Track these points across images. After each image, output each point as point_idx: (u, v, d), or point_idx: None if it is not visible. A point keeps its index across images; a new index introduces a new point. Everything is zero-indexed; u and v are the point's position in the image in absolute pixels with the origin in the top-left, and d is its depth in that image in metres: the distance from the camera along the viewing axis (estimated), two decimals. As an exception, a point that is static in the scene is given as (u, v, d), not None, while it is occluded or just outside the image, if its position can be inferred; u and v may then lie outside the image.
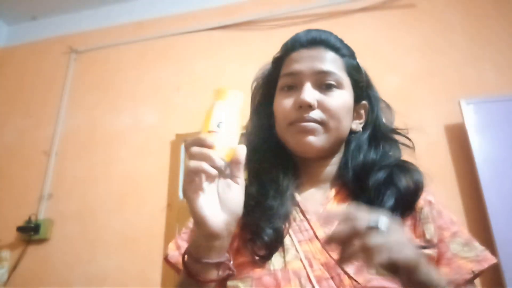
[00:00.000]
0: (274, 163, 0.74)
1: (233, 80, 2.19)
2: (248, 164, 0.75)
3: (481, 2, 2.07)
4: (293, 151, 0.73)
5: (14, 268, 2.01)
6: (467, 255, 0.64)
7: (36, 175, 2.23)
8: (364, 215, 0.49)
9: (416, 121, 1.83)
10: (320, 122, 0.69)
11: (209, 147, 0.53)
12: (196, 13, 2.46)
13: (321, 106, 0.69)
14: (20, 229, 2.05)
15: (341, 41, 0.77)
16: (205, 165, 0.51)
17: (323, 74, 0.71)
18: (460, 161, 1.74)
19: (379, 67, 2.17)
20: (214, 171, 0.52)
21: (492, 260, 0.65)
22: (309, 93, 0.69)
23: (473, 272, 0.63)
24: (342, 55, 0.75)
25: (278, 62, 0.78)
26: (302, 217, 0.68)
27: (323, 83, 0.71)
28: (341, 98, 0.71)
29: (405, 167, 0.71)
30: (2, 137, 2.43)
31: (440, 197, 0.73)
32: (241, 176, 0.56)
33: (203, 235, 0.54)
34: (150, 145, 2.16)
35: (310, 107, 0.68)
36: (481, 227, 1.57)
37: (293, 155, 0.75)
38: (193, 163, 0.52)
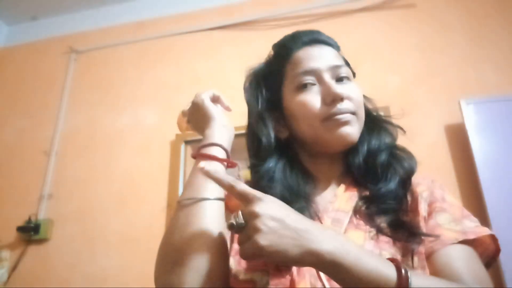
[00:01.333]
0: (287, 170, 0.72)
1: (233, 80, 2.19)
2: (257, 173, 0.73)
3: (481, 2, 2.07)
4: (327, 146, 0.72)
5: (14, 268, 2.01)
6: (453, 227, 0.62)
7: (36, 175, 2.23)
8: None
9: (416, 121, 1.85)
10: (353, 112, 0.71)
11: None
12: (196, 13, 2.46)
13: (347, 97, 0.71)
14: (20, 229, 2.05)
15: (333, 39, 0.80)
16: None
17: (337, 68, 0.72)
18: (460, 161, 1.74)
19: (379, 67, 2.19)
20: None
21: (483, 232, 0.62)
22: (337, 86, 0.70)
23: (456, 240, 0.60)
24: (338, 50, 0.78)
25: (280, 62, 0.77)
26: (313, 215, 0.67)
27: (339, 77, 0.72)
28: (357, 88, 0.74)
29: (401, 148, 0.75)
30: (2, 137, 2.43)
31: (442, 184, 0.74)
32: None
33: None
34: (150, 145, 2.16)
35: (342, 99, 0.69)
36: (481, 227, 1.57)
37: (305, 159, 0.75)
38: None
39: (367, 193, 0.69)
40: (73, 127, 2.34)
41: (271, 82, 0.78)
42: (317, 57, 0.73)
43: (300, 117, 0.72)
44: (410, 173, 0.70)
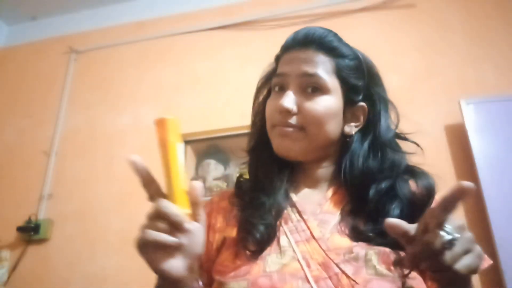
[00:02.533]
0: (270, 162, 0.74)
1: (233, 80, 2.20)
2: (248, 161, 0.78)
3: (481, 2, 2.07)
4: (275, 152, 0.73)
5: (14, 268, 2.01)
6: None
7: (36, 175, 2.23)
8: (434, 231, 0.47)
9: (416, 121, 1.84)
10: (300, 128, 0.69)
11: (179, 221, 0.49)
12: (196, 13, 2.46)
13: (302, 111, 0.69)
14: (20, 229, 2.05)
15: (339, 40, 0.74)
16: (167, 238, 0.49)
17: (307, 77, 0.70)
18: (460, 161, 1.74)
19: (379, 67, 2.18)
20: (176, 241, 0.49)
21: (488, 261, 0.65)
22: (289, 99, 0.69)
23: None
24: (336, 56, 0.72)
25: (276, 61, 0.78)
26: (299, 217, 0.68)
27: (308, 87, 0.70)
28: (325, 103, 0.69)
29: (413, 173, 0.70)
30: (2, 137, 2.43)
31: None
32: (202, 212, 0.52)
33: (167, 282, 0.52)
34: (150, 145, 2.15)
35: (289, 112, 0.68)
36: (481, 227, 1.57)
37: None
38: (152, 235, 0.49)
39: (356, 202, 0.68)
40: (73, 127, 2.34)
41: (267, 79, 0.81)
42: (293, 62, 0.71)
43: (266, 117, 0.75)
44: (419, 205, 0.65)
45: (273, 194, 0.69)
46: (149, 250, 0.49)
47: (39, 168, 2.24)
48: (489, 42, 1.97)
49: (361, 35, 2.11)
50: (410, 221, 0.56)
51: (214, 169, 2.06)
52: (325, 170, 0.75)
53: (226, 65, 2.23)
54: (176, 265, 0.50)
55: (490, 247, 1.50)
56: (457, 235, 0.47)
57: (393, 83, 2.14)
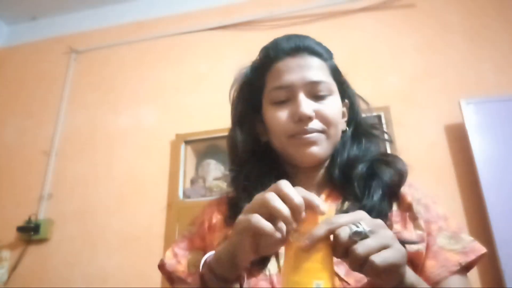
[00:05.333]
0: (264, 175, 0.72)
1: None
2: (235, 179, 0.76)
3: (481, 2, 2.07)
4: (294, 162, 0.73)
5: (14, 268, 2.01)
6: (454, 248, 0.64)
7: (36, 175, 2.23)
8: (343, 219, 0.48)
9: (416, 121, 1.85)
10: (321, 131, 0.70)
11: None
12: (196, 13, 2.46)
13: (319, 116, 0.69)
14: (20, 229, 2.05)
15: (320, 44, 0.76)
16: (273, 231, 0.49)
17: (314, 84, 0.70)
18: (460, 161, 1.74)
19: (379, 67, 2.19)
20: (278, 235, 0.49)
21: (480, 250, 0.64)
22: (307, 105, 0.68)
23: (460, 264, 0.62)
24: (325, 59, 0.74)
25: (261, 70, 0.76)
26: None
27: (315, 94, 0.70)
28: (334, 104, 0.72)
29: (387, 159, 0.73)
30: (2, 137, 2.43)
31: (440, 197, 0.73)
32: None
33: (232, 264, 0.54)
34: (150, 145, 2.16)
35: (310, 119, 0.68)
36: (481, 227, 1.57)
37: (285, 164, 0.75)
38: (267, 226, 0.48)
39: (349, 204, 0.68)
40: (73, 127, 2.34)
41: (253, 88, 0.78)
42: (293, 70, 0.70)
43: (271, 130, 0.73)
44: (394, 186, 0.68)
45: None
46: (249, 234, 0.50)
47: (39, 168, 2.24)
48: (489, 42, 1.97)
49: (361, 35, 2.12)
50: (389, 202, 0.65)
51: (214, 169, 2.06)
52: (320, 172, 0.75)
53: (226, 65, 2.22)
54: (251, 256, 0.52)
55: (490, 247, 1.50)
56: (367, 228, 0.47)
57: (393, 83, 2.16)
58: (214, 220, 0.74)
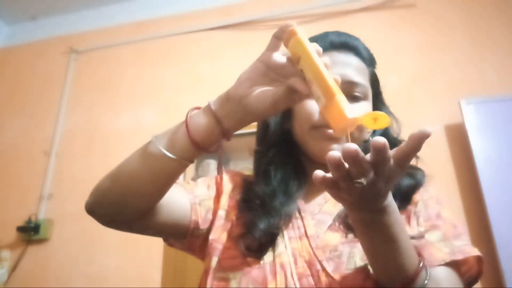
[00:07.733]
0: (285, 164, 0.73)
1: (234, 80, 2.19)
2: (258, 160, 0.77)
3: (481, 2, 2.07)
4: (311, 155, 0.72)
5: (14, 268, 2.01)
6: (442, 248, 0.61)
7: (36, 175, 2.23)
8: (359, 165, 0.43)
9: (416, 121, 1.84)
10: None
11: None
12: (196, 13, 2.46)
13: None
14: (20, 229, 2.06)
15: (367, 49, 0.76)
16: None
17: (353, 84, 0.69)
18: (460, 161, 1.74)
19: (379, 67, 2.18)
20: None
21: (471, 252, 0.61)
22: None
23: (444, 260, 0.58)
24: (368, 65, 0.74)
25: None
26: (297, 215, 0.68)
27: (352, 93, 0.69)
28: (366, 109, 0.70)
29: (408, 170, 0.71)
30: (2, 137, 2.43)
31: (440, 197, 0.73)
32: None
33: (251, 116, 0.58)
34: (150, 145, 2.16)
35: None
36: (481, 227, 1.57)
37: (305, 157, 0.74)
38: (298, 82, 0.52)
39: None
40: (73, 127, 2.34)
41: None
42: (337, 65, 0.70)
43: (297, 116, 0.72)
44: (409, 193, 0.68)
45: (286, 200, 0.68)
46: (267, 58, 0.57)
47: (39, 168, 2.24)
48: (489, 41, 1.97)
49: (361, 35, 2.10)
50: (399, 206, 0.60)
51: (214, 169, 2.06)
52: None
53: (226, 65, 2.22)
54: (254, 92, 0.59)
55: (490, 247, 1.50)
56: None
57: (393, 83, 2.16)
58: (227, 186, 0.77)
